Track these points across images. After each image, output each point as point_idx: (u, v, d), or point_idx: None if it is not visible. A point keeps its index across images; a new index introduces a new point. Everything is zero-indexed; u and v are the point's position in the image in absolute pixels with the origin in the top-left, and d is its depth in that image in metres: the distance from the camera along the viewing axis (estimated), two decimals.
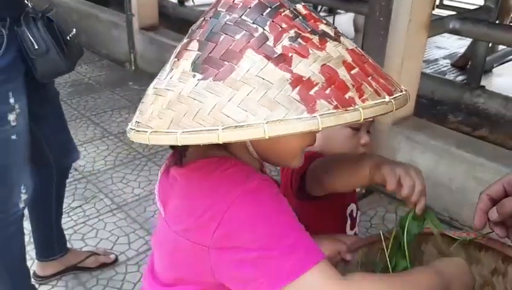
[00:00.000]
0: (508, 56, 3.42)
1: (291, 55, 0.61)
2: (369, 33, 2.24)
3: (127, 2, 3.76)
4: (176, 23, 4.39)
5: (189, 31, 0.70)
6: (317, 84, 0.60)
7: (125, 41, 3.95)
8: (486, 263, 0.90)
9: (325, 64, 0.62)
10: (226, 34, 0.63)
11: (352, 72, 0.63)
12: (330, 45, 0.64)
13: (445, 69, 4.10)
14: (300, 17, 0.66)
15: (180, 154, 0.77)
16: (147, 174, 2.54)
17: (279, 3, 0.66)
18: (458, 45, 4.49)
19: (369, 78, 0.64)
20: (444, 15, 2.76)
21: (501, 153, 2.17)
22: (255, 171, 0.72)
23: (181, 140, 0.59)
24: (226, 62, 0.62)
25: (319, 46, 0.63)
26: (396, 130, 2.32)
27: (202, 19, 0.69)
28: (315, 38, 0.64)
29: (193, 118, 0.59)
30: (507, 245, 0.86)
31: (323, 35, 0.65)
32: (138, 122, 0.66)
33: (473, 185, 2.12)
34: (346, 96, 0.60)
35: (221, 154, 0.74)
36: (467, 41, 4.00)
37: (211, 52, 0.63)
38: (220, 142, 0.57)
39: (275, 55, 0.61)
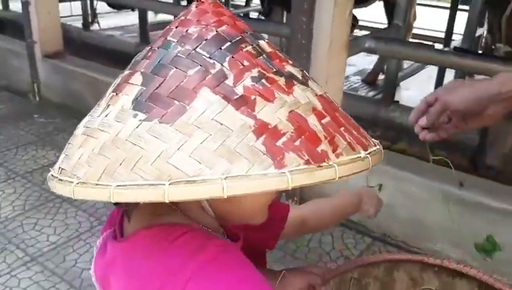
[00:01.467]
0: (416, 71, 3.62)
1: (255, 98, 0.52)
2: (292, 56, 2.23)
3: (27, 28, 3.47)
4: (82, 48, 4.15)
5: (132, 61, 0.59)
6: (284, 133, 0.51)
7: (27, 70, 3.64)
8: None
9: (292, 110, 0.53)
10: (176, 68, 0.54)
11: (323, 121, 0.55)
12: (298, 88, 0.56)
13: (356, 85, 4.26)
14: (264, 55, 0.57)
15: (127, 216, 0.64)
16: (63, 218, 2.30)
17: (240, 37, 0.57)
18: (366, 61, 4.69)
19: (342, 129, 0.56)
20: (358, 35, 2.85)
21: (425, 167, 2.24)
22: (210, 237, 0.61)
23: (115, 196, 0.48)
24: (175, 101, 0.52)
25: (286, 89, 0.55)
26: None
27: (149, 48, 0.59)
28: (281, 80, 0.56)
29: (132, 168, 0.49)
30: (482, 272, 0.84)
31: (290, 78, 0.57)
32: (62, 169, 0.54)
33: (401, 200, 2.17)
34: (319, 149, 0.52)
35: (170, 217, 0.62)
36: (375, 58, 4.19)
37: (157, 88, 0.53)
38: (166, 201, 0.47)
39: (235, 97, 0.52)
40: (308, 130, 0.53)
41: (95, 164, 0.51)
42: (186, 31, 0.57)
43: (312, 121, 0.54)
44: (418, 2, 3.87)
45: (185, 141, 0.49)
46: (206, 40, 0.56)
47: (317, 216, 1.00)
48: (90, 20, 4.57)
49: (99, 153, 0.52)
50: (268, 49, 0.59)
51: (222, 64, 0.54)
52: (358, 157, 0.54)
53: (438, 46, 3.85)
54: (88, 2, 4.82)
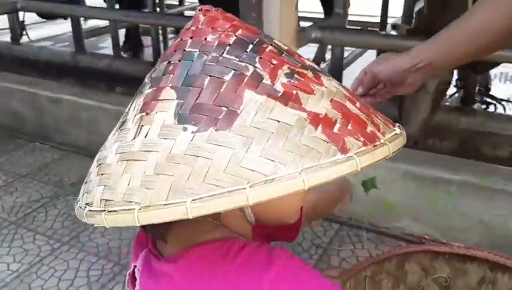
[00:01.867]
0: (357, 58, 3.72)
1: (296, 93, 0.54)
2: None
3: None
4: (15, 63, 3.92)
5: (149, 79, 0.57)
6: (336, 120, 0.53)
7: None
8: (473, 274, 0.90)
9: (332, 99, 0.55)
10: (210, 76, 0.53)
11: (357, 105, 0.57)
12: (324, 79, 0.58)
13: None
14: (285, 52, 0.58)
15: (161, 239, 0.62)
16: (21, 244, 2.17)
17: (258, 38, 0.57)
18: (305, 51, 4.76)
19: (371, 110, 0.59)
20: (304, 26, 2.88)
21: None
22: (268, 245, 0.60)
23: (194, 211, 0.46)
24: (223, 108, 0.51)
25: (316, 81, 0.57)
26: None
27: (166, 63, 0.57)
28: (309, 73, 0.57)
29: (203, 179, 0.47)
30: (493, 254, 0.87)
31: (315, 70, 0.59)
32: (107, 201, 0.51)
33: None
34: (368, 130, 0.54)
35: (213, 233, 0.60)
36: (313, 47, 4.26)
37: (197, 98, 0.52)
38: (250, 204, 0.47)
39: (279, 94, 0.53)
40: (352, 115, 0.55)
41: (156, 185, 0.49)
42: (205, 39, 0.56)
43: (350, 106, 0.56)
44: None
45: (250, 143, 0.49)
46: (229, 45, 0.56)
47: (315, 210, 1.00)
48: (18, 32, 4.32)
49: (155, 173, 0.49)
50: (284, 46, 0.60)
51: (254, 66, 0.55)
52: (396, 133, 0.57)
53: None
54: (14, 14, 4.56)
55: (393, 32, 2.94)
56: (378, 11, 4.06)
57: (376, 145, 0.53)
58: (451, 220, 2.02)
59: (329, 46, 3.40)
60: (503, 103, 3.16)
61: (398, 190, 2.12)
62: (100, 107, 2.93)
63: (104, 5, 3.74)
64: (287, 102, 0.53)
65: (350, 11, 3.13)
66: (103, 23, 4.53)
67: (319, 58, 4.26)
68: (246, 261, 0.57)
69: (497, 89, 3.62)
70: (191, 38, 0.58)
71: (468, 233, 1.99)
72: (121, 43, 3.99)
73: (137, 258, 0.66)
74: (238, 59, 0.55)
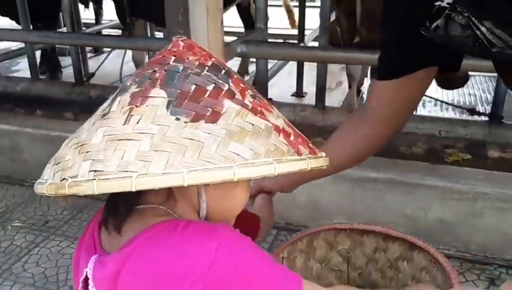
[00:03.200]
0: (278, 70, 3.86)
1: (261, 109, 0.66)
2: None
3: None
4: None
5: (134, 82, 0.65)
6: (290, 133, 0.67)
7: None
8: (369, 244, 1.10)
9: (284, 120, 0.69)
10: (195, 84, 0.63)
11: (296, 130, 0.71)
12: (274, 106, 0.71)
13: None
14: (244, 82, 0.71)
15: (117, 230, 0.68)
16: None
17: (227, 68, 0.70)
18: (229, 64, 4.85)
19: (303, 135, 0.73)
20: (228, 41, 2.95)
21: None
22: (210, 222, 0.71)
23: (189, 179, 0.55)
24: (208, 108, 0.61)
25: (270, 106, 0.70)
26: None
27: (150, 71, 0.66)
28: (264, 100, 0.71)
29: (198, 156, 0.57)
30: (386, 228, 1.06)
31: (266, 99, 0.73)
32: (98, 171, 0.56)
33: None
34: (310, 145, 0.70)
35: (159, 217, 0.68)
36: (237, 60, 4.36)
37: (186, 98, 0.61)
38: (235, 179, 0.57)
39: (249, 107, 0.65)
40: (298, 133, 0.70)
41: (153, 158, 0.56)
42: (188, 58, 0.67)
43: (293, 128, 0.71)
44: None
45: (234, 135, 0.60)
46: (208, 66, 0.67)
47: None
48: None
49: (151, 150, 0.56)
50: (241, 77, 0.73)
51: (229, 84, 0.66)
52: (321, 155, 0.72)
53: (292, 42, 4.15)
54: None
55: (314, 44, 3.11)
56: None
57: (317, 157, 0.68)
58: (379, 216, 2.18)
59: (253, 59, 3.51)
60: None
61: (330, 191, 2.25)
62: (21, 132, 2.81)
63: (18, 26, 3.60)
64: (255, 113, 0.65)
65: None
66: (14, 44, 4.34)
67: (242, 71, 4.37)
68: (195, 232, 0.64)
69: None
70: (174, 56, 0.68)
71: (395, 226, 2.15)
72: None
73: (87, 263, 0.71)
74: (216, 77, 0.67)
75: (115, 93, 0.68)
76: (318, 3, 5.00)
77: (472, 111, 3.07)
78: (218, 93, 0.64)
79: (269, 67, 3.22)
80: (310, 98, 3.86)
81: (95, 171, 0.57)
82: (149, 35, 4.10)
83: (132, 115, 0.61)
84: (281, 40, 4.99)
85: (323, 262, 1.14)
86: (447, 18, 0.83)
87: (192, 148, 0.57)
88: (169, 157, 0.56)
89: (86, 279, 0.70)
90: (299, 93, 3.98)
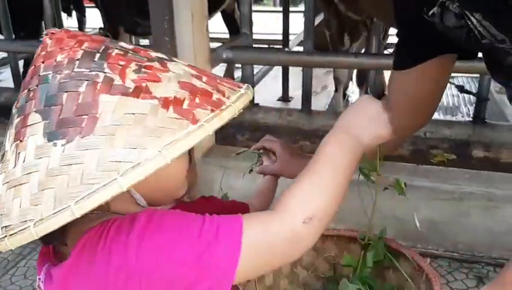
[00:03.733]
0: (264, 75, 3.88)
1: (146, 84, 0.62)
2: None
3: None
4: None
5: (16, 110, 0.63)
6: (184, 98, 0.62)
7: None
8: (356, 251, 1.09)
9: (179, 80, 0.64)
10: (66, 91, 0.60)
11: (203, 80, 0.66)
12: (171, 65, 0.66)
13: None
14: (130, 52, 0.65)
15: (61, 243, 0.67)
16: None
17: (104, 46, 0.65)
18: (215, 70, 4.86)
19: (218, 80, 0.68)
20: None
21: None
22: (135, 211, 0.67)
23: (77, 210, 0.53)
24: (83, 116, 0.58)
25: (163, 68, 0.65)
26: (207, 161, 2.39)
27: (26, 91, 0.62)
28: (156, 64, 0.65)
29: (80, 181, 0.54)
30: (398, 244, 1.06)
31: (161, 60, 0.66)
32: (7, 227, 0.56)
33: None
34: (214, 98, 0.64)
35: (95, 220, 0.66)
36: (222, 66, 4.37)
37: (60, 114, 0.58)
38: (125, 190, 0.55)
39: (130, 90, 0.60)
40: (198, 90, 0.64)
41: (43, 199, 0.55)
42: (56, 60, 0.62)
43: (197, 82, 0.65)
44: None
45: (113, 139, 0.57)
46: (77, 60, 0.62)
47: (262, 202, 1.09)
48: None
49: (39, 190, 0.55)
50: (130, 46, 0.67)
51: (104, 72, 0.61)
52: (241, 93, 0.66)
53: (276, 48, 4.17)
54: None
55: (299, 49, 3.13)
56: (276, 29, 4.27)
57: (222, 109, 0.62)
58: (372, 219, 2.19)
59: (238, 65, 3.52)
60: None
61: None
62: None
63: (0, 36, 3.56)
64: (138, 95, 0.60)
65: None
66: None
67: (228, 76, 4.38)
68: (115, 232, 0.62)
69: None
70: (42, 62, 0.63)
71: (387, 229, 2.17)
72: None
73: (41, 272, 0.70)
74: (88, 70, 0.61)
75: (8, 125, 0.64)
76: (301, 8, 5.05)
77: (461, 88, 3.09)
78: (93, 90, 0.60)
79: (255, 72, 3.24)
80: (296, 102, 3.88)
81: (5, 227, 0.56)
82: (133, 43, 4.09)
83: (19, 153, 0.59)
84: (265, 46, 5.02)
85: (310, 269, 1.13)
86: (441, 6, 0.81)
87: (74, 175, 0.55)
88: (55, 193, 0.54)
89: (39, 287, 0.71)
90: (285, 97, 4.00)
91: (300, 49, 3.78)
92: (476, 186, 2.11)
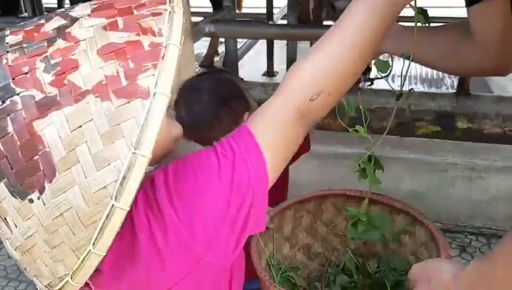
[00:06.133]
0: (248, 50, 3.83)
1: (67, 80, 0.52)
2: None
3: None
4: None
5: None
6: (118, 71, 0.52)
7: None
8: (397, 223, 1.05)
9: (98, 50, 0.53)
10: None
11: (120, 23, 0.54)
12: (75, 29, 0.54)
13: (196, 71, 4.34)
14: (24, 45, 0.53)
15: None
16: None
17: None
18: (199, 46, 4.79)
19: (134, 7, 0.56)
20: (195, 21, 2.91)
21: None
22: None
23: (99, 250, 0.53)
24: (35, 157, 0.52)
25: (70, 43, 0.53)
26: None
27: None
28: (59, 43, 0.53)
29: (83, 226, 0.53)
30: (392, 199, 1.04)
31: (60, 30, 0.54)
32: (49, 284, 0.57)
33: None
34: (146, 47, 0.53)
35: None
36: (205, 41, 4.31)
37: (11, 167, 0.52)
38: (128, 209, 0.53)
39: (58, 98, 0.51)
40: (123, 47, 0.53)
41: (61, 256, 0.54)
42: None
43: (115, 37, 0.53)
44: None
45: (80, 167, 0.52)
46: None
47: None
48: None
49: (52, 248, 0.54)
50: (19, 36, 0.54)
51: (17, 94, 0.52)
52: (169, 13, 0.56)
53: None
54: None
55: (283, 22, 3.09)
56: (260, 3, 4.21)
57: (163, 57, 0.53)
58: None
59: (222, 40, 3.47)
60: (384, 78, 3.46)
61: (304, 169, 2.26)
62: None
63: None
64: (69, 99, 0.51)
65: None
66: None
67: (212, 52, 4.32)
68: (143, 198, 0.61)
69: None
70: None
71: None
72: None
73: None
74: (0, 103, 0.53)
75: None
76: None
77: None
78: (22, 123, 0.51)
79: (238, 47, 3.19)
80: (281, 77, 3.85)
81: (48, 285, 0.57)
82: None
83: (5, 218, 0.55)
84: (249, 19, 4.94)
85: (330, 226, 1.13)
86: None
87: (71, 222, 0.53)
88: (70, 246, 0.54)
89: None
90: (270, 72, 3.96)
91: (285, 22, 3.74)
92: (460, 157, 2.13)
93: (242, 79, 3.47)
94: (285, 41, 3.45)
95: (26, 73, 0.52)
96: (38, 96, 0.51)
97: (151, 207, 0.60)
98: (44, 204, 0.52)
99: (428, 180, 2.16)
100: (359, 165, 0.93)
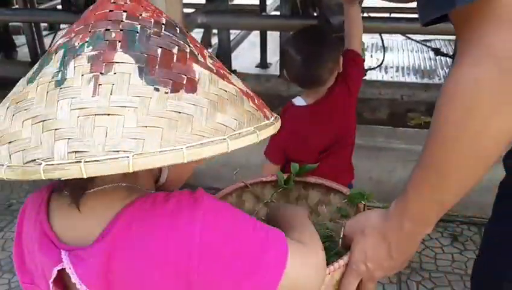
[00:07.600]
0: (241, 41, 3.82)
1: (223, 72, 0.62)
2: None
3: None
4: None
5: (87, 43, 0.58)
6: (254, 96, 0.64)
7: None
8: (312, 197, 1.12)
9: (240, 81, 0.64)
10: (160, 47, 0.58)
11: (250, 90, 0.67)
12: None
13: None
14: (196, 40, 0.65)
15: (75, 204, 0.62)
16: None
17: (179, 25, 0.63)
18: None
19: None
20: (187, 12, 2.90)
21: None
22: (187, 191, 0.66)
23: (189, 156, 0.53)
24: (182, 75, 0.57)
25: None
26: None
27: (102, 29, 0.58)
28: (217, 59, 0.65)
29: (191, 130, 0.54)
30: (329, 181, 1.07)
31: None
32: (82, 152, 0.51)
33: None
34: (265, 110, 0.66)
35: (129, 196, 0.63)
36: (199, 33, 4.30)
37: (156, 64, 0.56)
38: (229, 151, 0.55)
39: (215, 70, 0.60)
40: (255, 95, 0.66)
41: (145, 136, 0.52)
42: (140, 15, 0.60)
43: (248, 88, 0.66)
44: None
45: (216, 105, 0.57)
46: (164, 24, 0.61)
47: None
48: None
49: (138, 126, 0.52)
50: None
51: (189, 45, 0.61)
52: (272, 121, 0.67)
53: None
54: None
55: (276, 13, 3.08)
56: None
57: (276, 118, 0.66)
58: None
59: (215, 31, 3.46)
60: (376, 69, 3.48)
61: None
62: None
63: None
64: (223, 78, 0.60)
65: None
66: None
67: (205, 43, 4.31)
68: (176, 205, 0.61)
69: (370, 58, 3.98)
70: (124, 11, 0.60)
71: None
72: None
73: (58, 262, 0.63)
74: (175, 37, 0.60)
75: (58, 55, 0.58)
76: None
77: (438, 51, 3.09)
78: (184, 57, 0.59)
79: (231, 38, 3.18)
80: (274, 69, 3.85)
81: (75, 152, 0.51)
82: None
83: (100, 84, 0.54)
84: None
85: (253, 214, 1.14)
86: None
87: (183, 123, 0.54)
88: (163, 133, 0.53)
89: (59, 279, 0.64)
90: (263, 64, 3.96)
91: (278, 14, 3.73)
92: None
93: (235, 70, 3.48)
94: (278, 33, 3.45)
95: (197, 46, 0.63)
96: (200, 58, 0.60)
97: (181, 216, 0.62)
98: (167, 98, 0.55)
99: None
100: None
